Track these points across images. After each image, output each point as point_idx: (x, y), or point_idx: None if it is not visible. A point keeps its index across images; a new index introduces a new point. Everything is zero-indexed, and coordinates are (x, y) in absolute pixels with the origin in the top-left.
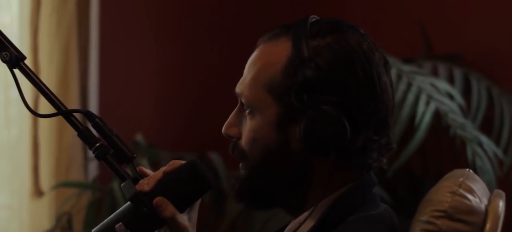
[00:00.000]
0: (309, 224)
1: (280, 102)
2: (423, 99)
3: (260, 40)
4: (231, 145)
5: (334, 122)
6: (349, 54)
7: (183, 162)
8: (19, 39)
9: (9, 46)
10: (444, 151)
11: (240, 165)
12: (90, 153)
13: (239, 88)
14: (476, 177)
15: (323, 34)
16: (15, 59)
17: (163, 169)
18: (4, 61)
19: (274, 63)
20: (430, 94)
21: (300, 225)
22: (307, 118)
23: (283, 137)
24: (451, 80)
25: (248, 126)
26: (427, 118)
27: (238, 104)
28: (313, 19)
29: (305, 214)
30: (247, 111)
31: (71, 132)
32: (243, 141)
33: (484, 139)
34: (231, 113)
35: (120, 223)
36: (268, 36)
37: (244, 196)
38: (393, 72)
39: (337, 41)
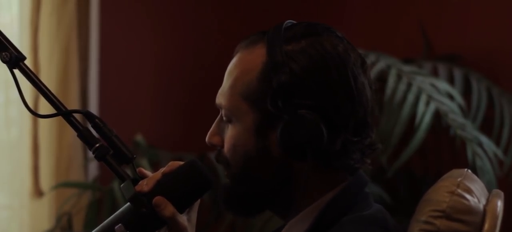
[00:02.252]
0: (302, 227)
1: (257, 109)
2: (423, 99)
3: (237, 47)
4: (215, 154)
5: (310, 125)
6: (324, 57)
7: (182, 162)
8: (19, 39)
9: (9, 47)
10: (444, 151)
11: (225, 174)
12: (90, 154)
13: (218, 99)
14: (475, 177)
15: (298, 38)
16: (15, 60)
17: (162, 170)
18: (4, 62)
19: (250, 70)
20: (430, 94)
21: (292, 228)
22: (283, 123)
23: (263, 143)
24: (451, 80)
25: (228, 134)
26: (427, 118)
27: (220, 113)
28: (289, 24)
29: (298, 217)
30: (225, 120)
31: (71, 132)
32: (225, 149)
33: (484, 139)
34: None
35: (120, 224)
36: (245, 43)
37: (230, 204)
38: (393, 73)
39: (311, 44)
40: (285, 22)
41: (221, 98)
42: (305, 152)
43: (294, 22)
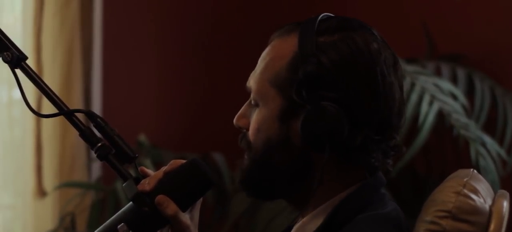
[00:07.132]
0: (317, 223)
1: (283, 96)
2: (426, 99)
3: (272, 36)
4: (240, 136)
5: (330, 118)
6: (354, 52)
7: (184, 161)
8: (22, 39)
9: (11, 46)
10: (447, 151)
11: (245, 155)
12: (93, 153)
13: (249, 82)
14: (480, 177)
15: (331, 31)
16: (17, 59)
17: (163, 168)
18: (5, 61)
19: (280, 58)
20: (433, 94)
21: (307, 224)
22: (305, 113)
23: (285, 130)
24: (454, 80)
25: (254, 117)
26: (431, 118)
27: (250, 97)
28: (324, 17)
29: (313, 213)
30: (253, 103)
31: (74, 132)
32: (249, 132)
33: (487, 139)
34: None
35: (123, 223)
36: (279, 32)
37: (246, 185)
38: None
39: (343, 39)
40: (321, 15)
41: (251, 81)
42: (324, 144)
43: (330, 15)
